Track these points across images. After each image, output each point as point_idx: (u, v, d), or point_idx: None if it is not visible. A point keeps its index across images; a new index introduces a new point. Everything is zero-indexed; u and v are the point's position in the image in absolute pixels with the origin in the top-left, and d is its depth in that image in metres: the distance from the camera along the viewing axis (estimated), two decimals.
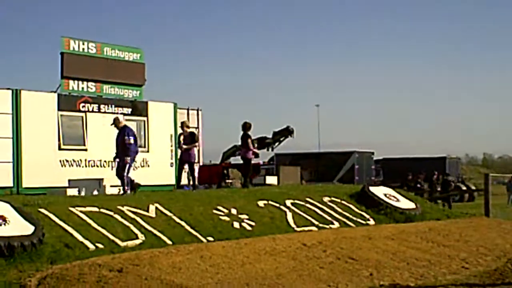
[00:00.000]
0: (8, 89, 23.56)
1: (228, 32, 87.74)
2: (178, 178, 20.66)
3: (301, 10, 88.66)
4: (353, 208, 18.80)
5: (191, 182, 21.43)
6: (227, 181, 29.56)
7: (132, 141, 18.63)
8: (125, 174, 18.50)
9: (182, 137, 20.88)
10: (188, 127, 20.68)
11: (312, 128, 65.15)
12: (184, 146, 20.35)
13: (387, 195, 19.91)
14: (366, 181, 36.73)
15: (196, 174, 20.14)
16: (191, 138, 20.41)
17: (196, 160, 20.08)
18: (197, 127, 30.15)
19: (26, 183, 23.10)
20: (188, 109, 29.85)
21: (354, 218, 18.03)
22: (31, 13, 79.31)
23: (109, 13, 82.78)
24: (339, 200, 19.07)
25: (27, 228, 11.51)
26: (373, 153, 45.41)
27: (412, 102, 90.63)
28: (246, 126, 22.16)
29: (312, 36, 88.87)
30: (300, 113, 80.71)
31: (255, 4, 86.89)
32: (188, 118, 29.52)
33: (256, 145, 22.51)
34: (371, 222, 18.13)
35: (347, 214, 18.15)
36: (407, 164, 44.02)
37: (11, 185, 22.80)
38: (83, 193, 18.57)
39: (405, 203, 19.84)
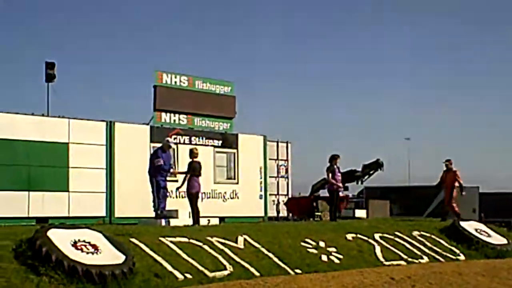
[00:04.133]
0: (103, 121, 24.14)
1: (317, 65, 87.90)
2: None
3: (386, 45, 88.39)
4: (443, 243, 18.54)
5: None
6: (316, 213, 29.41)
7: None
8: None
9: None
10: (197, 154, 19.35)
11: (402, 161, 64.38)
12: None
13: (478, 230, 19.59)
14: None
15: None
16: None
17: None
18: (286, 160, 30.27)
19: (118, 213, 23.56)
20: (277, 142, 30.01)
21: (444, 253, 17.78)
22: (126, 47, 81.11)
23: (201, 47, 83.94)
24: (428, 235, 18.84)
25: (118, 257, 11.71)
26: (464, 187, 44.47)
27: (506, 134, 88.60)
28: (331, 158, 22.04)
29: (403, 69, 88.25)
30: (390, 147, 79.90)
31: (344, 42, 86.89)
32: (277, 151, 29.72)
33: (339, 177, 22.18)
34: (462, 257, 17.85)
35: (437, 249, 17.91)
36: (504, 199, 42.95)
37: (104, 214, 23.29)
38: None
39: (496, 239, 19.48)
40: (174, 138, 25.13)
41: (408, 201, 39.79)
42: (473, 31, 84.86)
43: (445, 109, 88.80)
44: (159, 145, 19.96)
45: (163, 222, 18.22)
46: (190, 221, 18.37)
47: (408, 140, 66.47)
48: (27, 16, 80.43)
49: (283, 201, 30.03)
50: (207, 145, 26.58)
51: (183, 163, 23.27)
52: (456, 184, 23.35)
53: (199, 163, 19.12)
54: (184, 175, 19.11)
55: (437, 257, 17.43)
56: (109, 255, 11.71)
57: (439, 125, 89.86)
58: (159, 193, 18.81)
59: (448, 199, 23.80)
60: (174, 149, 23.00)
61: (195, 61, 79.18)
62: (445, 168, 23.90)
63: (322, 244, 15.91)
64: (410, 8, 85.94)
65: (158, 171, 18.80)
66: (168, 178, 19.54)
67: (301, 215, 28.91)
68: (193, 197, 18.77)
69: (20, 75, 75.32)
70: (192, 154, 19.21)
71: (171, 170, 19.23)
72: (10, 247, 11.31)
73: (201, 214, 18.91)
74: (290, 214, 30.00)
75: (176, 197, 24.03)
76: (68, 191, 22.75)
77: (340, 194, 23.36)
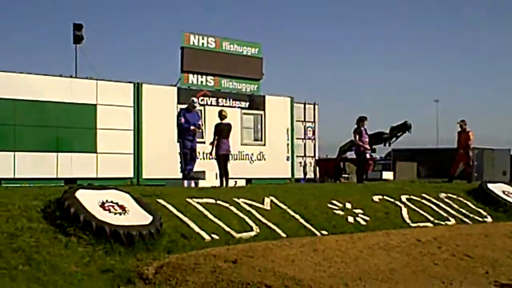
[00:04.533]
0: (130, 82, 24.21)
1: (345, 26, 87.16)
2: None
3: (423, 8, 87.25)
4: (470, 205, 18.50)
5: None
6: (343, 175, 29.40)
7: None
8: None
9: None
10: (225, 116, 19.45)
11: (430, 123, 63.93)
12: None
13: (506, 192, 19.50)
14: (487, 178, 35.74)
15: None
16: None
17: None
18: (314, 121, 30.21)
19: (146, 174, 23.71)
20: (304, 103, 29.92)
21: (471, 215, 17.74)
22: (153, 9, 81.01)
23: (228, 8, 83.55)
24: (455, 197, 18.81)
25: (146, 218, 11.80)
26: (493, 150, 44.14)
27: None
28: (359, 120, 22.09)
29: (433, 32, 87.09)
30: (418, 108, 79.51)
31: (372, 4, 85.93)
32: (304, 113, 29.66)
33: (367, 139, 22.25)
34: (489, 219, 17.82)
35: (464, 211, 17.88)
36: None
37: (132, 176, 23.45)
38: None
39: None
40: (201, 100, 25.20)
41: (435, 163, 39.36)
42: None
43: (475, 70, 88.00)
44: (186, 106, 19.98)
45: (192, 183, 18.30)
46: (217, 183, 18.46)
47: (437, 102, 65.95)
48: None
49: (310, 162, 30.04)
50: (234, 107, 26.59)
51: (210, 125, 23.32)
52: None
53: (227, 124, 19.15)
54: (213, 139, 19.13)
55: (464, 219, 17.40)
56: (136, 216, 11.80)
57: (468, 86, 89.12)
58: (186, 155, 18.87)
59: (466, 159, 23.72)
60: (200, 110, 23.00)
61: (222, 21, 78.99)
62: (459, 129, 23.73)
63: (348, 205, 15.93)
64: None
65: (183, 132, 18.83)
66: (198, 140, 19.58)
67: (330, 176, 28.90)
68: (220, 158, 18.84)
69: (48, 37, 75.56)
70: (221, 115, 19.26)
71: (191, 128, 18.98)
72: (39, 207, 11.44)
73: (228, 176, 19.02)
74: (317, 176, 29.98)
75: (204, 158, 24.16)
76: (96, 152, 22.91)
77: (367, 156, 23.36)
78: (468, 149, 23.59)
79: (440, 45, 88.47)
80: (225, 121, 19.18)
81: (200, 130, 19.82)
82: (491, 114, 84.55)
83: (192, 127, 18.85)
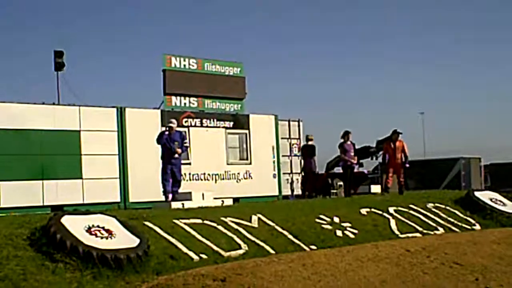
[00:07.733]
0: (113, 107, 24.16)
1: (327, 41, 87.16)
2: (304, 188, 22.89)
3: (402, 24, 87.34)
4: (458, 213, 18.56)
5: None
6: (332, 191, 29.39)
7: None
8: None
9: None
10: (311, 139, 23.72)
11: (416, 136, 63.82)
12: None
13: (493, 200, 19.58)
14: (474, 187, 35.83)
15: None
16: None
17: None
18: (298, 138, 30.21)
19: (132, 198, 23.62)
20: (289, 121, 29.92)
21: (459, 224, 17.80)
22: (133, 33, 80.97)
23: (209, 28, 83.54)
24: (443, 206, 18.87)
25: (133, 241, 11.76)
26: (480, 159, 44.30)
27: None
28: (344, 134, 22.44)
29: (419, 44, 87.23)
30: (404, 122, 79.59)
31: (353, 13, 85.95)
32: (289, 130, 29.65)
33: (352, 153, 22.53)
34: (477, 227, 17.87)
35: (452, 220, 17.94)
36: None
37: (119, 200, 23.36)
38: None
39: (511, 207, 19.44)
40: (185, 121, 25.21)
41: (423, 175, 39.55)
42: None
43: (459, 81, 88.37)
44: None
45: (179, 204, 18.20)
46: (204, 203, 18.36)
47: (422, 114, 66.09)
48: (34, 6, 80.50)
49: (297, 179, 30.00)
50: (219, 127, 26.58)
51: (195, 146, 23.39)
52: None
53: (306, 146, 23.67)
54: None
55: (453, 228, 17.46)
56: (123, 239, 11.76)
57: (453, 98, 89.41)
58: (166, 176, 18.83)
59: (401, 170, 23.41)
60: (185, 131, 22.82)
61: (203, 42, 79.12)
62: (394, 138, 23.37)
63: (336, 219, 15.94)
64: None
65: (162, 154, 18.88)
66: (183, 162, 19.60)
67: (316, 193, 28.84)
68: (306, 176, 23.45)
69: (29, 65, 75.37)
70: (307, 138, 23.50)
71: (173, 148, 18.83)
72: (25, 235, 11.38)
73: (215, 196, 19.02)
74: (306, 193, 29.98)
75: (190, 180, 24.14)
76: (81, 178, 22.82)
77: (355, 170, 23.49)
78: (405, 159, 23.34)
79: (424, 58, 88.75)
80: (310, 143, 22.89)
81: (178, 151, 19.03)
82: (477, 124, 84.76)
83: (174, 148, 18.78)
